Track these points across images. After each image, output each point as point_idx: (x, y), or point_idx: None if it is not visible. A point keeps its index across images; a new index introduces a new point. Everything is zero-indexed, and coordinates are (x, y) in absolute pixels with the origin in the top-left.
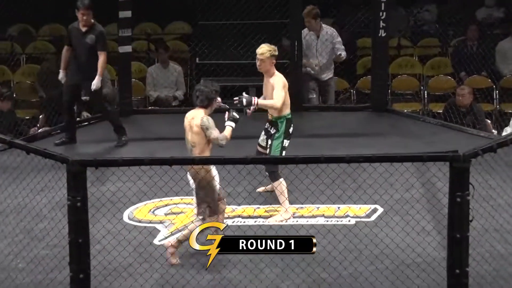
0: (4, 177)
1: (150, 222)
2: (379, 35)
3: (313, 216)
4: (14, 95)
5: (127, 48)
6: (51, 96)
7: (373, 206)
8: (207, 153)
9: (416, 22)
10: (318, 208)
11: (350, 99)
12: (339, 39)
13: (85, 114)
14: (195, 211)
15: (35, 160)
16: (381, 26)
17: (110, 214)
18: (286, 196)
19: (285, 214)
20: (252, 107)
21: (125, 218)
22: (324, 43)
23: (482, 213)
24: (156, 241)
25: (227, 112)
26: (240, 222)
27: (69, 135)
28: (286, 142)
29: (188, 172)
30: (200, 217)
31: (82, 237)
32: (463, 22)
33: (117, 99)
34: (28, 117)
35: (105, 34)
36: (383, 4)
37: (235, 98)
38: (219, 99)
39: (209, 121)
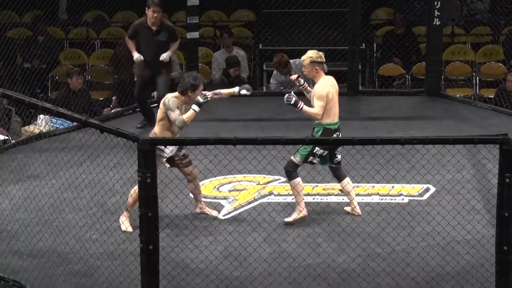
0: (79, 154)
1: (215, 198)
2: (434, 23)
3: (369, 195)
4: (89, 78)
5: (195, 34)
6: (122, 79)
7: (425, 186)
8: (167, 129)
9: (469, 11)
10: (373, 187)
11: (405, 84)
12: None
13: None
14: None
15: (108, 139)
16: (435, 15)
17: (178, 190)
18: (303, 197)
19: (298, 215)
20: (296, 108)
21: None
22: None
23: None
24: (220, 216)
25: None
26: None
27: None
28: (318, 150)
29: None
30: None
31: (152, 210)
32: None
33: None
34: (101, 99)
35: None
36: None
37: (287, 95)
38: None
39: (170, 103)
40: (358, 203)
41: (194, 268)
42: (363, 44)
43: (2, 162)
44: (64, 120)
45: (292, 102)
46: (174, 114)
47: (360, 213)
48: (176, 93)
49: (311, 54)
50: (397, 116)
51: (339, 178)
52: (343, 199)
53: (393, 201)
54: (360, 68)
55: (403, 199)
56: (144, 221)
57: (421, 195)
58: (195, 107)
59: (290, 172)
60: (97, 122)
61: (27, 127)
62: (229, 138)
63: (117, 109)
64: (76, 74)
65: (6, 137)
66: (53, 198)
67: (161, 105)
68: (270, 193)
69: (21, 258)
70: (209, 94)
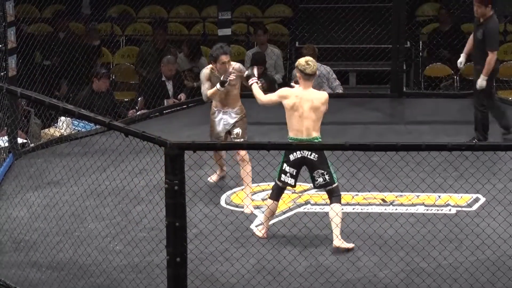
0: (103, 159)
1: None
2: None
3: (413, 205)
4: (113, 77)
5: (227, 31)
6: (149, 78)
7: (475, 196)
8: (218, 97)
9: None
10: (418, 196)
11: (454, 86)
12: (334, 76)
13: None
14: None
15: (133, 143)
16: None
17: (207, 198)
18: (269, 218)
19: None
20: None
21: (222, 202)
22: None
23: None
24: (253, 226)
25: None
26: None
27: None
28: (286, 166)
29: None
30: None
31: (179, 220)
32: None
33: None
34: (126, 99)
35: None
36: None
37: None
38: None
39: (202, 75)
40: (402, 214)
41: (224, 282)
42: (408, 42)
43: (20, 167)
44: (87, 122)
45: (245, 74)
46: (203, 87)
47: (347, 247)
48: (210, 65)
49: (301, 60)
50: (445, 120)
51: (329, 201)
52: (385, 209)
53: (439, 212)
54: (404, 68)
55: (450, 210)
56: (171, 232)
57: (470, 205)
58: (218, 85)
59: (272, 190)
60: (122, 124)
61: (47, 130)
62: (263, 143)
63: (143, 111)
64: (104, 77)
65: (25, 141)
66: (74, 206)
67: None
68: (307, 202)
69: (40, 270)
70: (232, 76)
